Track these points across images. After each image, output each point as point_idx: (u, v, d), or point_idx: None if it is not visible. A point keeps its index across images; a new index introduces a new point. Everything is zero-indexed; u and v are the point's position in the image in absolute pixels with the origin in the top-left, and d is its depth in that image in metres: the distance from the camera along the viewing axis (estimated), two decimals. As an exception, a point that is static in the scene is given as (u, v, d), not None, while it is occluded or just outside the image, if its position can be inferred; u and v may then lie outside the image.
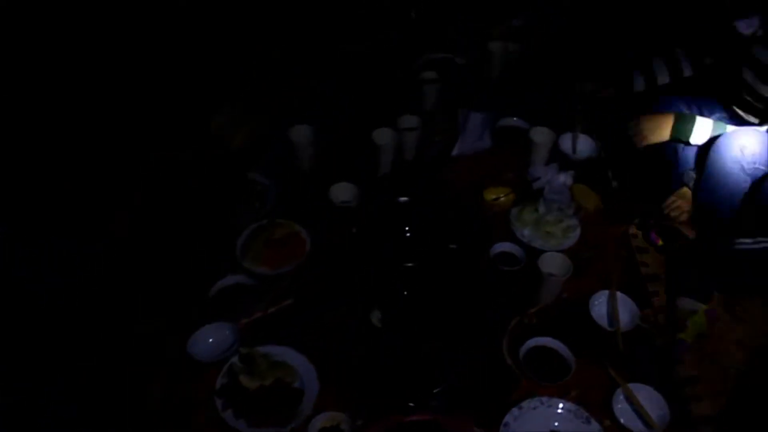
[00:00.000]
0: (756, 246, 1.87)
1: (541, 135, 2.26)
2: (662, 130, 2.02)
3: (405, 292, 1.82)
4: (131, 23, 2.48)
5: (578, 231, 2.04)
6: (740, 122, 2.02)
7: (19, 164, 2.13)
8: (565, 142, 2.32)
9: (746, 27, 1.92)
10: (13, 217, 1.99)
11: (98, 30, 2.40)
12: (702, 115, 2.04)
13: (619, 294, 1.83)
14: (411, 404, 1.60)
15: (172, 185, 2.19)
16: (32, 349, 1.75)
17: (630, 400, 1.63)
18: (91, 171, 2.21)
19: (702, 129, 1.99)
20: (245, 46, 2.69)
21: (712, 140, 1.96)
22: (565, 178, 2.15)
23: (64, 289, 1.84)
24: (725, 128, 1.97)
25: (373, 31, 2.86)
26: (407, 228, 1.89)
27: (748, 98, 1.99)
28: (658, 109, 2.12)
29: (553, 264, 1.86)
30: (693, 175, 2.09)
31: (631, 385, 1.64)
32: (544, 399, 1.63)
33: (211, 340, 1.74)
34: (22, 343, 1.75)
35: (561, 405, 1.63)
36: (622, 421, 1.60)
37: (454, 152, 2.32)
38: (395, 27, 2.90)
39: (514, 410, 1.60)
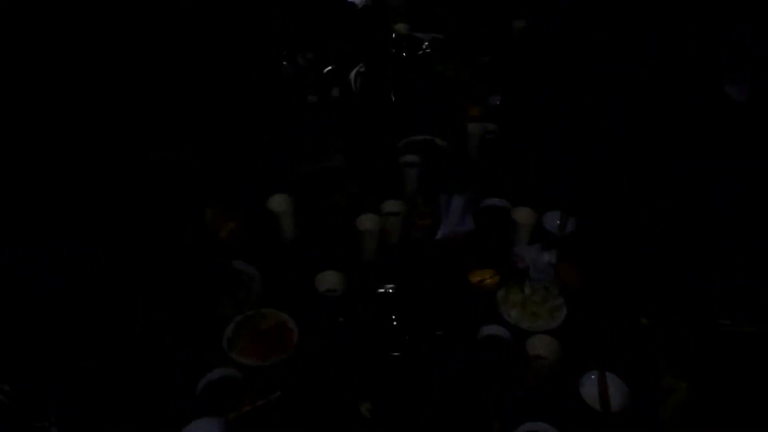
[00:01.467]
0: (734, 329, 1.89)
1: (523, 215, 2.30)
2: None
3: (394, 382, 1.81)
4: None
5: (564, 311, 2.05)
6: None
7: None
8: (549, 220, 2.35)
9: (741, 94, 1.96)
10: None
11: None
12: None
13: (609, 374, 1.83)
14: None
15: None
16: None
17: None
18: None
19: None
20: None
21: None
22: (549, 257, 2.18)
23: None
24: None
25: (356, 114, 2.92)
26: (393, 317, 1.90)
27: None
28: None
29: (541, 346, 1.86)
30: None
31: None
32: (539, 487, 1.61)
33: (200, 436, 1.72)
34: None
35: (556, 492, 1.61)
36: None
37: (438, 236, 2.34)
38: (377, 110, 2.97)
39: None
